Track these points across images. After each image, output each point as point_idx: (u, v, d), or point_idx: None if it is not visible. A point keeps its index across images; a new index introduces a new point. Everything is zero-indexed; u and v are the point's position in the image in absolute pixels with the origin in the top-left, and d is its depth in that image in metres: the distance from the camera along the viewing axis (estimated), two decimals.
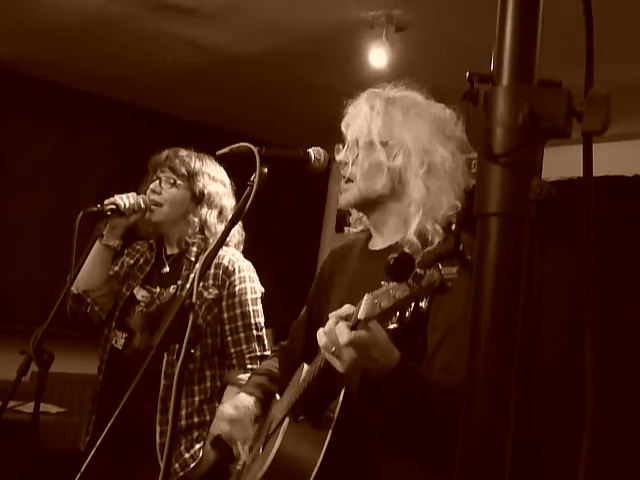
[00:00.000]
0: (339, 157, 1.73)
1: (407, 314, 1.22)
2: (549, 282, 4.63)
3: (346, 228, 1.87)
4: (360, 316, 1.26)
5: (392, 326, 1.26)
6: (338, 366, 1.34)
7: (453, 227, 1.13)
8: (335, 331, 1.31)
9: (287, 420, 1.58)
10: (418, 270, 1.15)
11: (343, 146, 1.74)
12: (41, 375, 1.92)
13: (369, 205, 1.73)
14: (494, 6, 0.82)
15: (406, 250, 1.60)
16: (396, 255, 1.16)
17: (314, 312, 1.92)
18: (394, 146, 1.67)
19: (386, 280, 1.22)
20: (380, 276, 1.62)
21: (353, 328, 1.29)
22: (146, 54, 4.30)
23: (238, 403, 1.88)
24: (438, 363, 1.49)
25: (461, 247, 1.09)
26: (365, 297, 1.26)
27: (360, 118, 1.70)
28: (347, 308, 1.35)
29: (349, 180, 1.71)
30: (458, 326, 1.46)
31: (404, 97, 1.72)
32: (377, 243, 1.76)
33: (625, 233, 4.24)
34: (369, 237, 1.81)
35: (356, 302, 1.41)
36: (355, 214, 1.84)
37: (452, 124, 1.69)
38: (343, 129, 1.76)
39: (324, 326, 1.80)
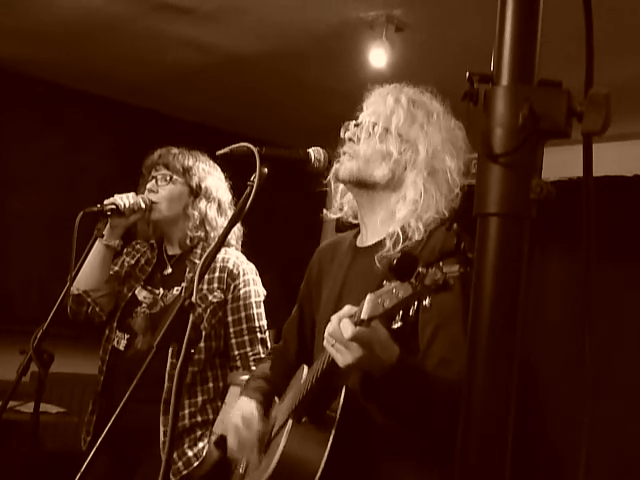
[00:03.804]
0: (348, 134, 1.75)
1: (411, 312, 1.24)
2: (549, 282, 4.62)
3: (325, 211, 1.89)
4: (363, 316, 1.28)
5: (396, 325, 1.27)
6: (341, 361, 1.36)
7: (455, 226, 1.15)
8: (339, 327, 1.33)
9: (290, 422, 1.58)
10: (420, 269, 1.17)
11: (355, 125, 1.76)
12: (41, 375, 1.92)
13: (361, 186, 1.74)
14: (494, 6, 0.82)
15: (388, 242, 1.63)
16: (399, 255, 1.19)
17: (305, 311, 1.94)
18: (407, 142, 1.71)
19: (388, 279, 1.24)
20: (371, 272, 1.64)
21: (356, 326, 1.31)
22: (146, 54, 4.30)
23: (245, 413, 1.85)
24: (433, 357, 1.51)
25: (462, 246, 1.10)
26: (368, 297, 1.28)
27: (383, 105, 1.74)
28: (349, 309, 1.36)
29: (351, 157, 1.73)
30: (449, 320, 1.49)
31: (427, 103, 1.76)
32: (365, 239, 1.78)
33: (625, 233, 4.24)
34: (357, 234, 1.84)
35: (348, 299, 1.43)
36: (339, 200, 1.86)
37: (462, 142, 1.73)
38: (359, 110, 1.79)
39: (317, 325, 1.81)
